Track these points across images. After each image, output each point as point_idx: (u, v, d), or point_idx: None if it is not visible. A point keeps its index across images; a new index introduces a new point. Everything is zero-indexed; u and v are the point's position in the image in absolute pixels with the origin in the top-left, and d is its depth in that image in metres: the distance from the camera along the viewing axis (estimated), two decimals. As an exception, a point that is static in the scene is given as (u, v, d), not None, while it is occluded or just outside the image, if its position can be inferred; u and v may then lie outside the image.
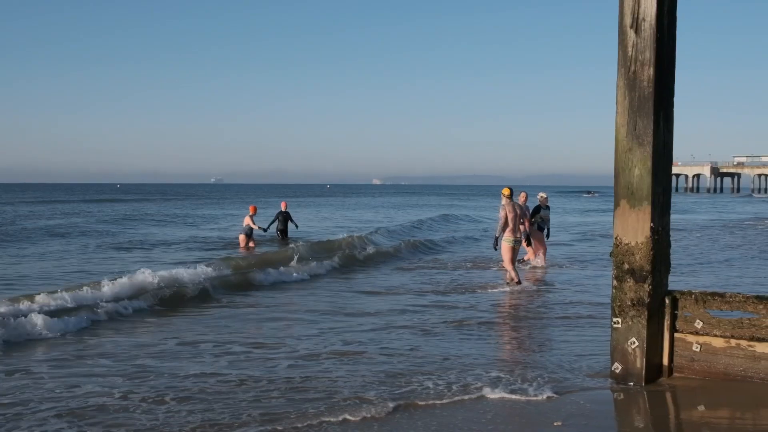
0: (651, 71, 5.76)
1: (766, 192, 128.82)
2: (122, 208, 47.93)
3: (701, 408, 5.57)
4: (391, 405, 5.59)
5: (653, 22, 5.73)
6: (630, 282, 5.86)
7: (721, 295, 5.87)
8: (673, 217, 6.46)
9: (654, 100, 5.77)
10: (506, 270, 12.94)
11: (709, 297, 5.88)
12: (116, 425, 5.17)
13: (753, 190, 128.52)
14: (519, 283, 12.39)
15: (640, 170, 5.82)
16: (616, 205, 5.98)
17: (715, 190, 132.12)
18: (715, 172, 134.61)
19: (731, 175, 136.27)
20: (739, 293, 5.88)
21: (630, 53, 5.84)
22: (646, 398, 5.74)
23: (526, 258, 15.63)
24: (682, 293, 6.02)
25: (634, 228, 5.86)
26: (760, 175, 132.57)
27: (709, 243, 22.26)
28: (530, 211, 15.88)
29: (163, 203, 59.74)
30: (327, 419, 5.28)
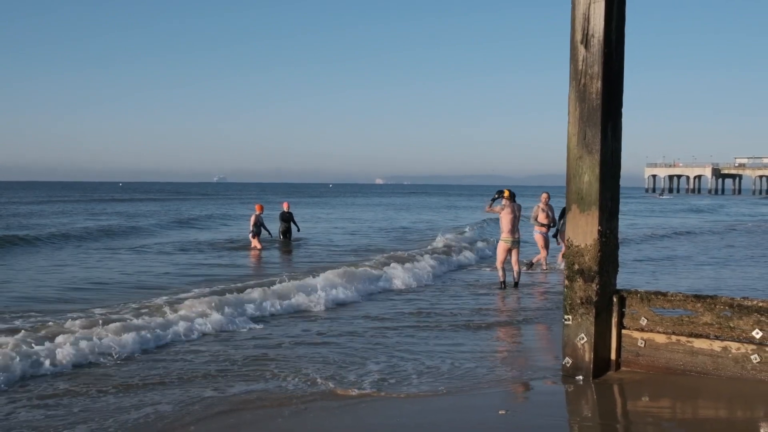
0: (599, 84, 6.14)
1: (766, 193, 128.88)
2: (133, 208, 48.39)
3: (645, 399, 5.96)
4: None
5: (601, 38, 6.11)
6: (579, 282, 6.25)
7: (664, 294, 6.26)
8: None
9: (602, 112, 6.15)
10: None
11: (653, 296, 6.28)
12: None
13: (754, 192, 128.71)
14: (503, 287, 12.72)
15: (589, 177, 6.21)
16: (568, 209, 6.37)
17: (716, 192, 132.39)
18: (717, 173, 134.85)
19: (733, 176, 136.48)
20: (680, 292, 6.28)
21: (580, 67, 6.23)
22: (593, 390, 6.12)
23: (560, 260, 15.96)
24: (629, 292, 6.41)
25: (583, 231, 6.25)
26: (761, 177, 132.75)
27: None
28: (553, 211, 16.10)
29: (170, 203, 60.11)
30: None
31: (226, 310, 9.37)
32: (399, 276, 13.22)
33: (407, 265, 14.32)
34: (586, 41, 6.19)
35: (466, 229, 25.54)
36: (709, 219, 40.94)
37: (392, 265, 14.17)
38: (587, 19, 6.16)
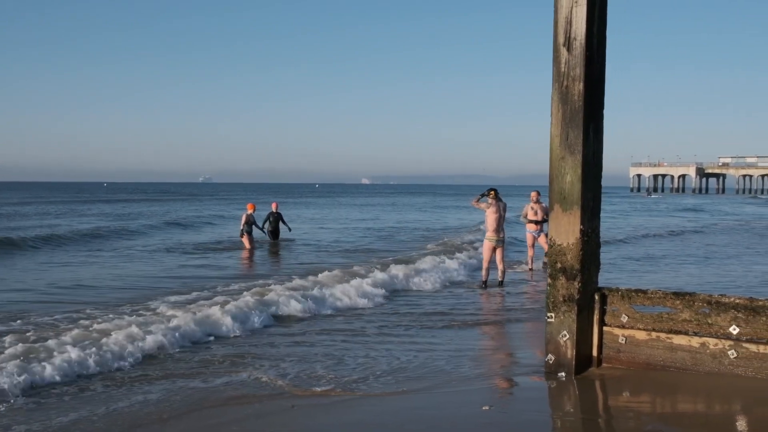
0: (581, 86, 6.26)
1: (750, 192, 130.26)
2: (120, 209, 48.16)
3: (626, 394, 6.08)
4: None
5: (583, 41, 6.23)
6: (562, 280, 6.37)
7: (644, 292, 6.40)
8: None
9: (584, 113, 6.26)
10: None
11: (633, 293, 6.41)
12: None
13: (737, 191, 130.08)
14: (484, 286, 12.87)
15: (572, 177, 6.33)
16: (551, 208, 6.49)
17: (700, 191, 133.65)
18: (701, 172, 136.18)
19: (716, 175, 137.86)
20: (660, 290, 6.42)
21: (563, 69, 6.35)
22: (575, 385, 6.25)
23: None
24: (610, 290, 6.54)
25: (566, 230, 6.37)
26: (744, 176, 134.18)
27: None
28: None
29: (157, 204, 59.79)
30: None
31: (246, 309, 9.48)
32: (407, 278, 13.28)
33: (411, 266, 14.48)
34: (568, 44, 6.30)
35: (467, 233, 25.74)
36: (694, 218, 41.37)
37: (398, 266, 14.27)
38: (569, 23, 6.28)
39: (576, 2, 6.20)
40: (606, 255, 17.35)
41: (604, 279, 6.80)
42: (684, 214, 47.17)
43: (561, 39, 6.35)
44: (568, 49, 6.31)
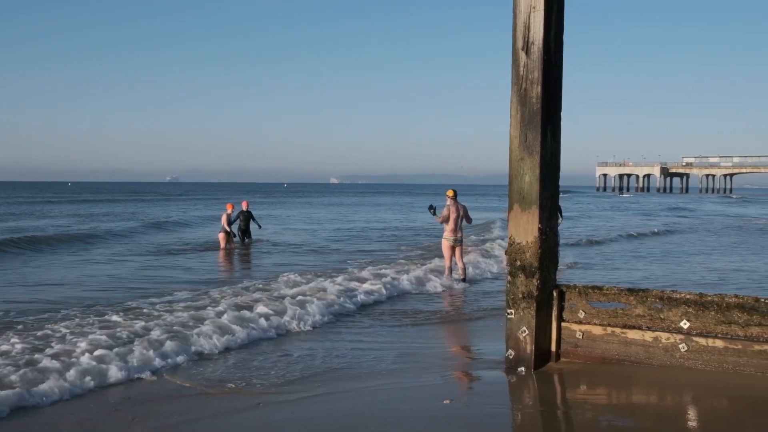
0: (539, 89, 6.45)
1: (713, 192, 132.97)
2: (89, 209, 47.51)
3: (583, 388, 6.29)
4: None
5: (541, 46, 6.42)
6: (521, 277, 6.56)
7: (600, 288, 6.62)
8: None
9: (542, 115, 6.45)
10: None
11: (590, 290, 6.63)
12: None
13: (700, 190, 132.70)
14: (447, 285, 13.08)
15: (530, 177, 6.51)
16: (510, 208, 6.67)
17: (665, 190, 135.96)
18: (665, 172, 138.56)
19: (680, 175, 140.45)
20: (615, 287, 6.64)
21: (521, 72, 6.53)
22: (534, 379, 6.43)
23: None
24: (568, 287, 6.75)
25: (525, 229, 6.55)
26: (707, 176, 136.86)
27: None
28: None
29: (127, 204, 59.04)
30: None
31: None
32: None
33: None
34: (526, 48, 6.49)
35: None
36: (666, 217, 42.17)
37: (366, 268, 14.36)
38: (528, 27, 6.46)
39: (534, 8, 6.39)
40: (567, 252, 17.70)
41: (566, 276, 7.01)
42: (663, 213, 47.98)
43: (520, 43, 6.53)
44: (527, 53, 6.49)
